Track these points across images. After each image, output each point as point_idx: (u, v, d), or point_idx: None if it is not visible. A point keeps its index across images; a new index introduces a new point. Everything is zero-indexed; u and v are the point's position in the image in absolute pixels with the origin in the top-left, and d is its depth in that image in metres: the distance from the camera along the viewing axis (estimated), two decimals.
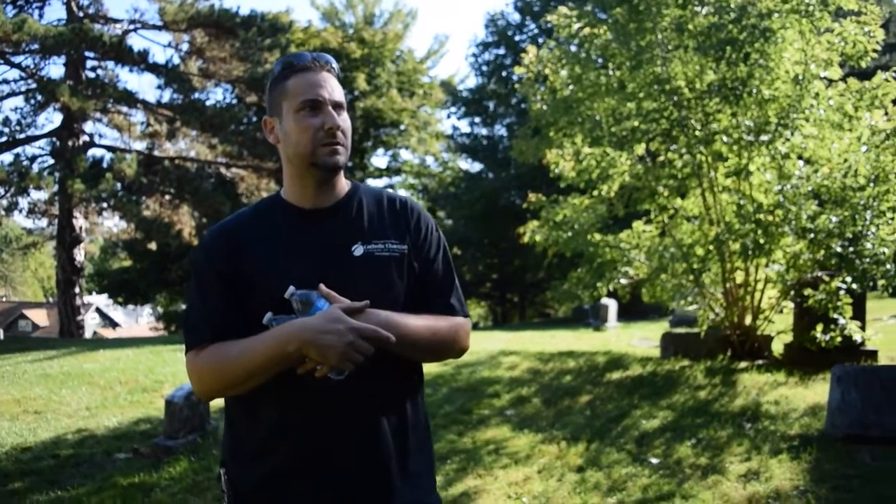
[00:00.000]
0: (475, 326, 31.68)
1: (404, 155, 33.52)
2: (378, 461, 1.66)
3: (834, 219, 6.38)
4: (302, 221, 1.72)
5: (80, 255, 20.39)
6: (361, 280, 1.66)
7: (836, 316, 6.48)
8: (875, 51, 7.05)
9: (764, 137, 7.02)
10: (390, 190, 1.90)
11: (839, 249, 6.36)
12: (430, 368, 8.30)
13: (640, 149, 8.12)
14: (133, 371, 9.10)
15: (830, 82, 7.14)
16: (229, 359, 1.59)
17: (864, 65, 7.12)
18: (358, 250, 1.70)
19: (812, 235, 6.46)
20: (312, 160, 1.68)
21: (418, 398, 1.79)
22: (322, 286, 1.58)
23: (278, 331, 1.54)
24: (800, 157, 7.28)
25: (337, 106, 1.69)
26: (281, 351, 1.52)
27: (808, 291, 6.62)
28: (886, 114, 6.43)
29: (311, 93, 1.67)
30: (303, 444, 1.63)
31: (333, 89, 1.70)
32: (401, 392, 1.74)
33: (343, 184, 1.79)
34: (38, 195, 19.54)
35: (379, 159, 33.60)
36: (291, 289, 1.56)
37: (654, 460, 4.81)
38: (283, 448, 1.64)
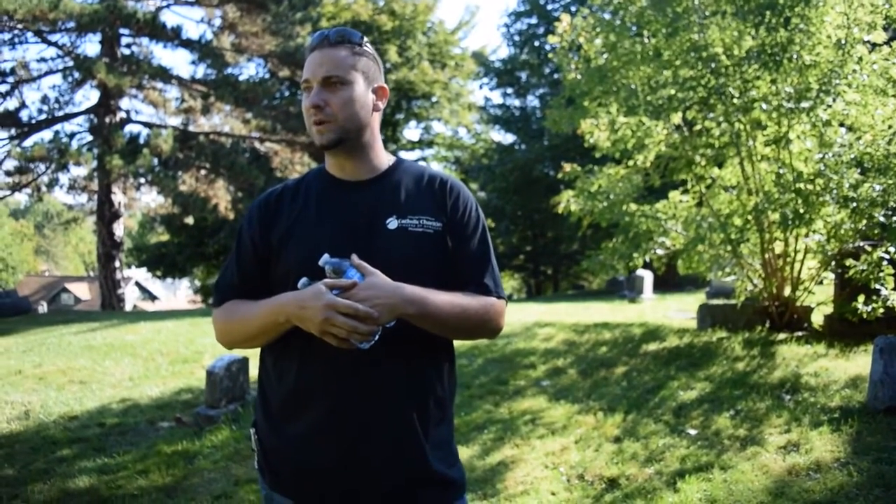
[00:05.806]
0: (509, 298, 31.64)
1: (436, 127, 33.50)
2: (401, 426, 1.68)
3: (877, 187, 6.22)
4: (339, 191, 1.76)
5: (119, 229, 20.76)
6: (393, 252, 1.67)
7: (878, 287, 6.35)
8: None
9: (804, 104, 6.86)
10: (433, 168, 1.91)
11: (882, 219, 6.20)
12: (464, 341, 8.33)
13: (676, 118, 8.00)
14: (173, 342, 9.28)
15: (874, 46, 6.94)
16: (233, 320, 1.73)
17: None
18: (392, 223, 1.71)
19: (854, 204, 6.30)
20: (313, 139, 1.74)
21: (443, 372, 1.79)
22: (354, 256, 1.60)
23: (274, 301, 1.63)
24: (841, 125, 7.10)
25: (327, 81, 1.67)
26: (273, 320, 1.62)
27: (849, 262, 6.49)
28: None
29: (305, 74, 1.72)
30: (325, 407, 1.66)
31: (325, 64, 1.67)
32: (424, 365, 1.74)
33: (383, 158, 1.81)
34: (78, 171, 19.94)
35: (411, 132, 33.64)
36: (325, 256, 1.59)
37: (692, 431, 4.80)
38: (307, 410, 1.68)
